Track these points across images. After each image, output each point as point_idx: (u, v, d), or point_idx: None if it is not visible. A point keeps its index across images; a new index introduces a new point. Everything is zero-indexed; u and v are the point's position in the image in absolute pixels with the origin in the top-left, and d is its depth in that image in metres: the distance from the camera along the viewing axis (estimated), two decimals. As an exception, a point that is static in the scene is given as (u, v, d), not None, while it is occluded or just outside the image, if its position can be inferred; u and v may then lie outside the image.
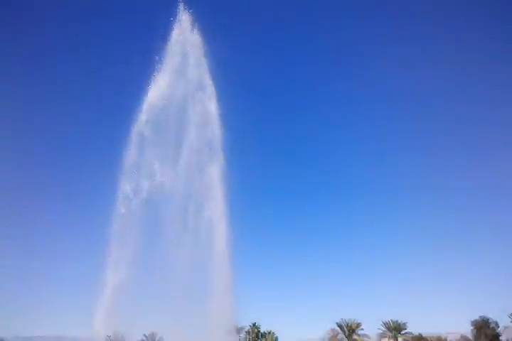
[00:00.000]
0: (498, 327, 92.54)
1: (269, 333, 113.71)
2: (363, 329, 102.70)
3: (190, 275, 25.86)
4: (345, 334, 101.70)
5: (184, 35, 33.42)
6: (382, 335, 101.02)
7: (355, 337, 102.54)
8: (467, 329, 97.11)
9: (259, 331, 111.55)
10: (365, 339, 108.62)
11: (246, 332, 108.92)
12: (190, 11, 35.21)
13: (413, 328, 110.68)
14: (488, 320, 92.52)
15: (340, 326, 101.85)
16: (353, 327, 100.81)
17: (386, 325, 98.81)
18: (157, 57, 32.66)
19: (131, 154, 29.69)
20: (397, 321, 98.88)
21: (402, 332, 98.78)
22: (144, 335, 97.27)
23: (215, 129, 31.35)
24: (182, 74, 32.22)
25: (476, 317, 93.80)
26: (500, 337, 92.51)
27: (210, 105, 31.77)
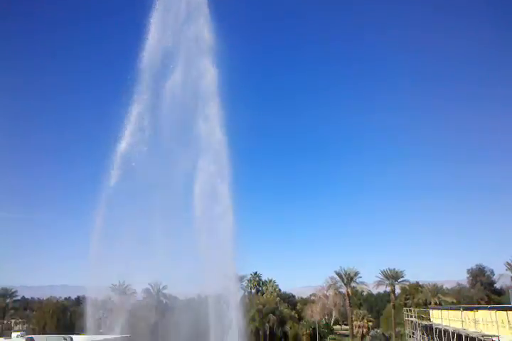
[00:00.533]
0: (494, 275, 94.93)
1: (270, 281, 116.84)
2: (361, 277, 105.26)
3: (192, 225, 26.14)
4: (343, 282, 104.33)
5: None
6: (379, 283, 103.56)
7: (353, 284, 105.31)
8: (463, 277, 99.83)
9: (260, 280, 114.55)
10: (363, 287, 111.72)
11: (247, 280, 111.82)
12: None
13: (410, 276, 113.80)
14: (483, 268, 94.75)
15: (338, 274, 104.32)
16: (352, 275, 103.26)
17: (384, 273, 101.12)
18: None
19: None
20: (394, 269, 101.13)
21: (399, 280, 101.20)
22: (149, 284, 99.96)
23: None
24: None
25: (472, 265, 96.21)
26: (495, 285, 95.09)
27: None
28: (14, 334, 72.53)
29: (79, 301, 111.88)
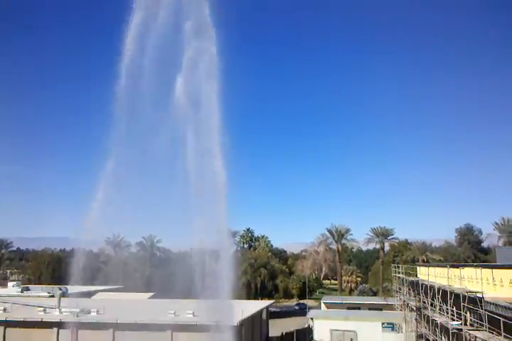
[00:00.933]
0: (482, 234, 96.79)
1: (262, 237, 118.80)
2: (351, 234, 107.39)
3: (185, 181, 26.14)
4: (334, 239, 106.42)
5: None
6: (369, 240, 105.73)
7: (343, 241, 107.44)
8: (451, 236, 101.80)
9: (252, 236, 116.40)
10: (353, 244, 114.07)
11: (240, 236, 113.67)
12: None
13: (399, 234, 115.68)
14: (472, 227, 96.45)
15: (330, 231, 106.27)
16: (343, 232, 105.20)
17: (374, 231, 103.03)
18: None
19: None
20: (384, 227, 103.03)
21: (389, 237, 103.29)
22: (143, 237, 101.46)
23: None
24: None
25: (460, 225, 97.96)
26: (482, 244, 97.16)
27: None
28: (10, 284, 74.26)
29: (74, 253, 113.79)
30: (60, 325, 35.93)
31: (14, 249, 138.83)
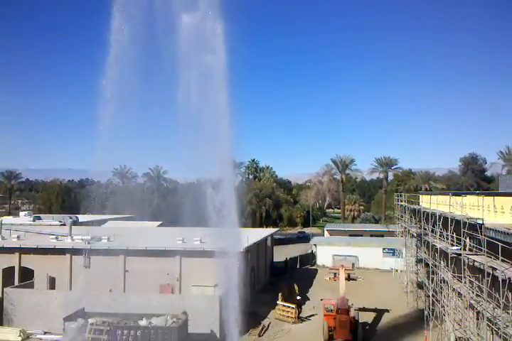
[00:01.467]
0: (486, 163, 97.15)
1: (267, 168, 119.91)
2: (356, 164, 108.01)
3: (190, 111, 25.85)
4: (338, 169, 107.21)
5: None
6: (373, 170, 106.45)
7: (347, 172, 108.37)
8: (455, 166, 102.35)
9: (257, 166, 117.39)
10: (357, 174, 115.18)
11: (245, 167, 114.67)
12: None
13: (403, 164, 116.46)
14: (476, 156, 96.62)
15: (334, 162, 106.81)
16: (347, 163, 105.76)
17: (378, 161, 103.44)
18: None
19: None
20: (389, 157, 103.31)
21: (393, 167, 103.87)
22: (149, 169, 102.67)
23: None
24: None
25: (465, 154, 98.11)
26: (486, 173, 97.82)
27: None
28: (22, 214, 76.37)
29: (82, 184, 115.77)
30: (72, 251, 37.33)
31: (23, 180, 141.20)
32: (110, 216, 66.57)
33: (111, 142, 26.81)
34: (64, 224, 48.21)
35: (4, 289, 33.88)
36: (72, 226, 41.99)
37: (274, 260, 55.90)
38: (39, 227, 50.57)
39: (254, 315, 34.00)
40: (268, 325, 33.62)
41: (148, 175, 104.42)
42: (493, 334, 22.51)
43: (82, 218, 53.36)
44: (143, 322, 28.00)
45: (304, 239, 78.39)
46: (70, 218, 43.86)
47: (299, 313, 35.69)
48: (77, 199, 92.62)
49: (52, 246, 37.85)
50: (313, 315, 35.62)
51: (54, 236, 41.22)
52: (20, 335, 30.74)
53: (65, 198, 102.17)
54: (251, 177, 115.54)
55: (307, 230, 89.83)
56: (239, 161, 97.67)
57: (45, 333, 31.42)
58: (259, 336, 31.52)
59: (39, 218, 64.00)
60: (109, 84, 24.94)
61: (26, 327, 31.43)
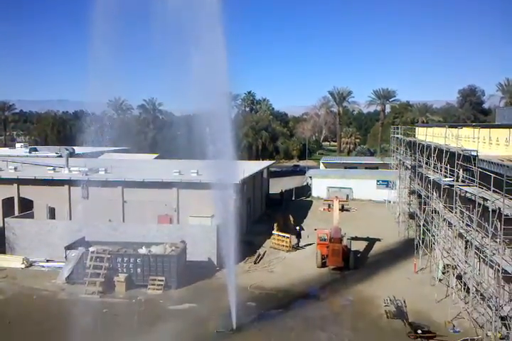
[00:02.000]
0: (484, 95, 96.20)
1: (264, 100, 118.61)
2: (353, 97, 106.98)
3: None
4: (335, 101, 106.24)
5: None
6: (370, 103, 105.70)
7: (345, 104, 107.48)
8: (453, 98, 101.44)
9: (254, 99, 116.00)
10: (354, 106, 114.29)
11: (241, 99, 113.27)
12: None
13: (401, 96, 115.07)
14: (475, 88, 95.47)
15: (331, 94, 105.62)
16: (344, 95, 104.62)
17: (376, 93, 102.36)
18: None
19: None
20: (387, 89, 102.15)
21: (391, 99, 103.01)
22: (144, 100, 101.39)
23: None
24: None
25: (463, 86, 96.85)
26: (484, 105, 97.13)
27: None
28: (18, 145, 76.33)
29: (77, 115, 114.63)
30: (70, 182, 37.70)
31: (17, 111, 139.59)
32: (106, 148, 66.56)
33: (105, 72, 26.18)
34: (60, 156, 48.30)
35: (5, 219, 34.55)
36: (69, 158, 42.12)
37: (270, 192, 56.81)
38: (36, 159, 50.73)
39: (250, 244, 35.08)
40: (263, 254, 34.78)
41: (143, 107, 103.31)
42: (479, 261, 23.43)
43: (78, 150, 53.41)
44: (142, 251, 28.91)
45: (300, 172, 79.26)
46: (67, 150, 43.91)
47: (299, 243, 36.71)
48: (73, 131, 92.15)
49: (50, 178, 38.16)
50: (308, 245, 36.73)
51: (51, 168, 41.39)
52: (23, 263, 31.80)
53: (61, 130, 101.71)
54: (247, 109, 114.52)
55: (303, 163, 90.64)
56: (235, 93, 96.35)
57: (47, 261, 32.45)
58: (255, 263, 32.70)
59: (35, 149, 64.01)
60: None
61: (28, 256, 32.41)
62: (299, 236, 37.14)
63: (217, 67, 24.42)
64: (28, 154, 58.99)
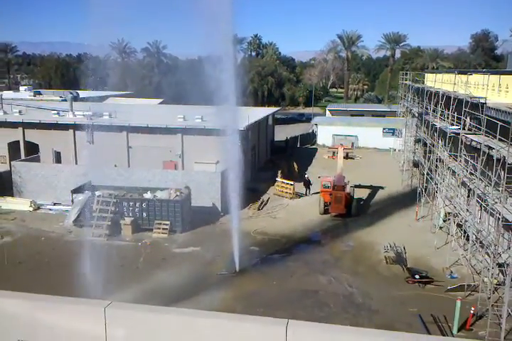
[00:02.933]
0: (497, 40, 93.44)
1: (270, 45, 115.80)
2: (362, 41, 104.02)
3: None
4: (344, 46, 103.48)
5: None
6: (380, 48, 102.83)
7: (353, 49, 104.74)
8: (465, 43, 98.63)
9: (260, 42, 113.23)
10: (363, 51, 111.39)
11: (247, 43, 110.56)
12: None
13: (412, 41, 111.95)
14: (488, 33, 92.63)
15: (340, 38, 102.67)
16: (353, 39, 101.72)
17: (386, 37, 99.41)
18: None
19: None
20: (397, 33, 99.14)
21: (401, 44, 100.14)
22: (148, 43, 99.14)
23: None
24: None
25: (476, 31, 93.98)
26: (496, 51, 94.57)
27: None
28: (22, 88, 75.69)
29: (80, 58, 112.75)
30: (75, 127, 37.63)
31: (20, 53, 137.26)
32: (110, 92, 65.95)
33: (107, 14, 25.43)
34: (65, 100, 47.99)
35: (12, 162, 34.85)
36: (73, 102, 41.80)
37: (275, 139, 56.64)
38: (40, 102, 50.41)
39: (254, 191, 35.40)
40: (267, 200, 35.17)
41: (147, 50, 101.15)
42: (481, 210, 23.65)
43: (82, 94, 52.95)
44: (148, 195, 29.32)
45: (308, 118, 78.53)
46: (71, 93, 43.59)
47: (309, 191, 36.61)
48: (76, 74, 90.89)
49: (55, 122, 38.06)
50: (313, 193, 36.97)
51: (56, 112, 41.16)
52: (31, 206, 32.39)
53: (64, 73, 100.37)
54: (253, 54, 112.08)
55: (309, 110, 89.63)
56: (241, 36, 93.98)
57: (54, 204, 33.06)
58: (259, 210, 33.16)
59: (39, 93, 63.59)
60: None
61: (36, 199, 32.96)
62: (309, 184, 36.88)
63: (223, 8, 23.68)
64: (32, 97, 58.59)
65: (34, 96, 60.29)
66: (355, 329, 5.76)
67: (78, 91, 51.68)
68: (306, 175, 38.13)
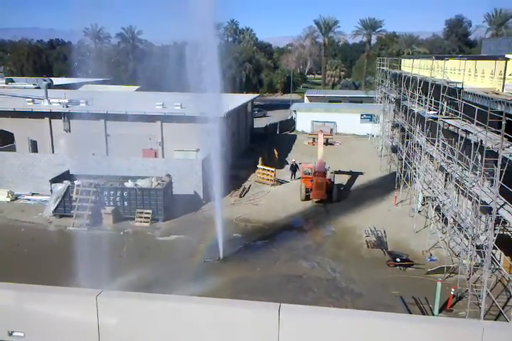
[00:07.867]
0: (471, 26, 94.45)
1: (247, 30, 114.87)
2: (339, 26, 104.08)
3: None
4: (321, 31, 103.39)
5: None
6: (357, 33, 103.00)
7: (330, 35, 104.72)
8: (439, 29, 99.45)
9: (237, 28, 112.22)
10: (340, 37, 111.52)
11: (224, 28, 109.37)
12: None
13: (388, 27, 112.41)
14: (462, 19, 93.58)
15: (317, 23, 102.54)
16: (330, 24, 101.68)
17: (362, 22, 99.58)
18: None
19: None
20: (374, 19, 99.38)
21: (377, 29, 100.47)
22: (122, 28, 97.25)
23: None
24: None
25: (450, 17, 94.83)
26: (470, 37, 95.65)
27: None
28: (-7, 76, 73.76)
29: (52, 44, 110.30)
30: (51, 115, 36.96)
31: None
32: (86, 79, 64.72)
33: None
34: (38, 87, 46.94)
35: (-14, 152, 34.12)
36: (48, 90, 40.94)
37: (255, 126, 56.56)
38: (13, 90, 49.28)
39: (235, 178, 35.37)
40: (249, 187, 35.23)
41: (121, 36, 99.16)
42: (458, 193, 24.12)
43: (56, 81, 51.85)
44: (129, 184, 29.07)
45: (286, 105, 78.43)
46: (44, 81, 42.53)
47: (295, 177, 36.70)
48: (49, 61, 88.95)
49: (30, 110, 37.29)
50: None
51: (30, 99, 40.24)
52: (8, 196, 31.84)
53: (36, 60, 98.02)
54: (230, 39, 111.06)
55: (287, 96, 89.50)
56: (217, 22, 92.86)
57: (32, 194, 32.54)
58: (240, 197, 33.22)
59: (12, 80, 62.14)
60: None
61: (13, 189, 32.38)
62: (294, 169, 37.01)
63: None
64: (4, 85, 57.21)
65: (6, 83, 58.85)
66: (348, 311, 5.90)
67: (52, 78, 50.50)
68: (293, 161, 38.21)
